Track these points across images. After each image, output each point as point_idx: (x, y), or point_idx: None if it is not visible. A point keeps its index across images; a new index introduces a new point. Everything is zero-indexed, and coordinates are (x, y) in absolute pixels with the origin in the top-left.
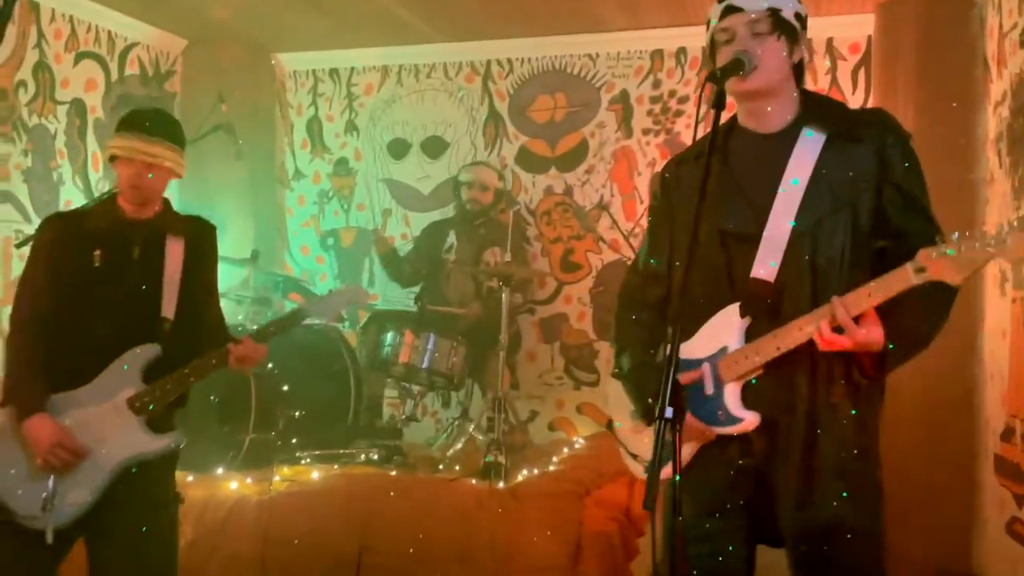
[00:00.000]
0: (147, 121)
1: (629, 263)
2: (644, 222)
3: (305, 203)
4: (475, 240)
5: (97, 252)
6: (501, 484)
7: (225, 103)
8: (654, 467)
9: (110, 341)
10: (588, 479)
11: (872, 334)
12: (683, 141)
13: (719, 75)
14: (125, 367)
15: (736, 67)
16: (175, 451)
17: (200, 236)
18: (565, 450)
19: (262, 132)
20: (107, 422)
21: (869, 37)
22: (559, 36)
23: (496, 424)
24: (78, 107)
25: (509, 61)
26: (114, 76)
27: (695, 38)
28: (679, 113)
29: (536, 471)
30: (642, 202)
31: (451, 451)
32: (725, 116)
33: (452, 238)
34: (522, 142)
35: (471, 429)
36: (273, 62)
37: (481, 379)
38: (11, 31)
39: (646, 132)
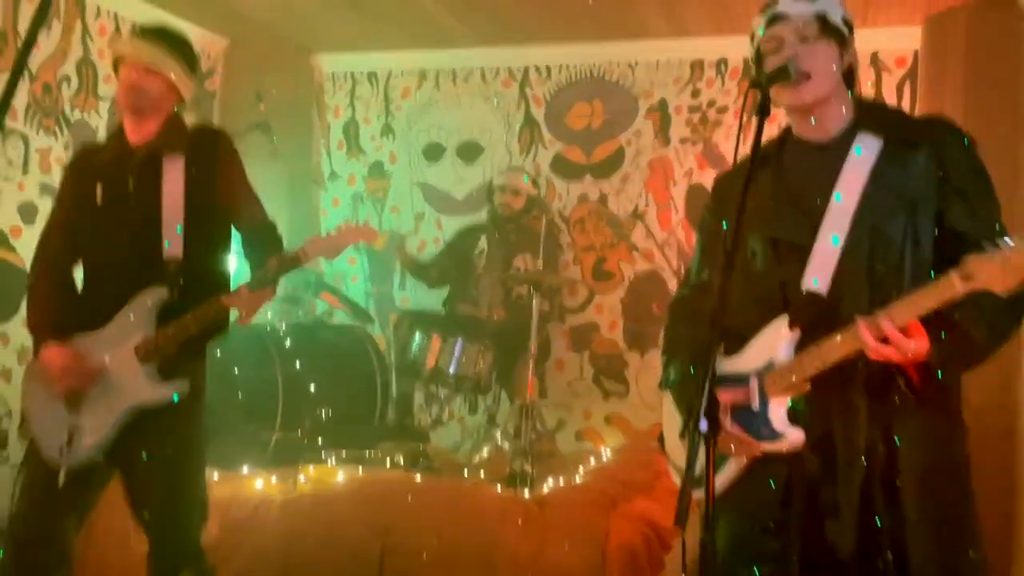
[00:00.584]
0: (157, 31)
1: (662, 271)
2: (679, 232)
3: (339, 204)
4: (506, 245)
5: (99, 188)
6: (527, 493)
7: (263, 102)
8: (686, 481)
9: (119, 283)
10: (615, 491)
11: (918, 345)
12: (721, 152)
13: (764, 82)
14: (137, 312)
15: (782, 74)
16: (196, 393)
17: (205, 148)
18: (592, 460)
19: (299, 133)
20: (117, 368)
21: (916, 51)
22: (598, 43)
23: (523, 432)
24: None
25: (547, 67)
26: None
27: (736, 48)
28: (718, 123)
29: (562, 481)
30: (677, 212)
31: (477, 457)
32: (774, 128)
33: (483, 243)
34: (557, 149)
35: (498, 436)
36: (312, 64)
37: (509, 385)
38: (56, 27)
39: (684, 142)
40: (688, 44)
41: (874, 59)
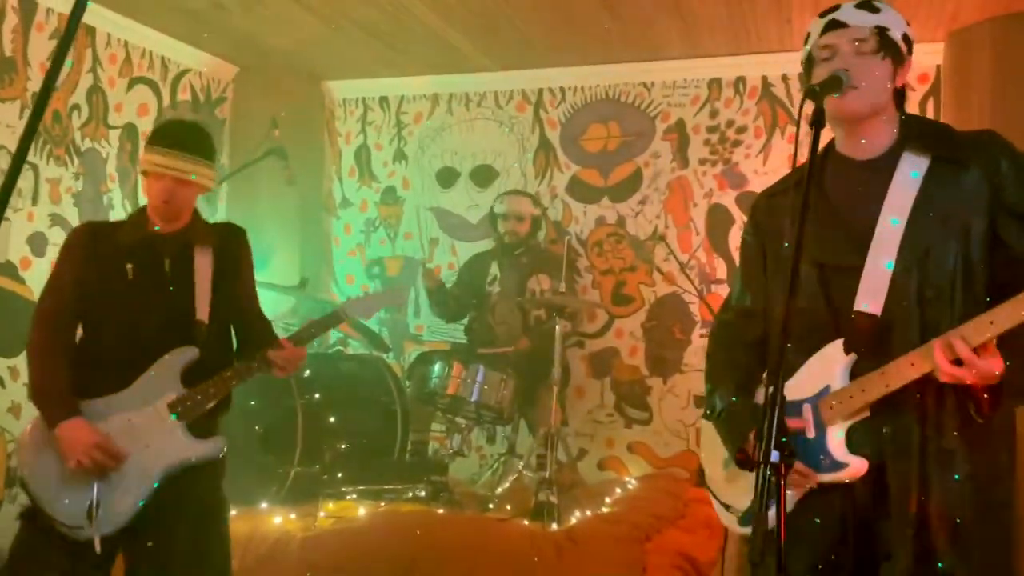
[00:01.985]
0: (178, 136)
1: (690, 296)
2: (700, 255)
3: (352, 231)
4: (517, 269)
5: (129, 266)
6: (554, 526)
7: (278, 128)
8: (760, 516)
9: (147, 347)
10: (647, 523)
11: (992, 366)
12: (741, 171)
13: (818, 91)
14: (163, 371)
15: (834, 85)
16: (221, 457)
17: (229, 242)
18: (618, 491)
19: (310, 160)
20: (149, 427)
21: (938, 67)
22: (613, 64)
23: (548, 462)
24: (130, 132)
25: (561, 89)
26: (166, 101)
27: (754, 67)
28: (737, 143)
29: (590, 513)
30: (698, 234)
31: (499, 489)
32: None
33: (495, 269)
34: (573, 171)
35: (520, 467)
36: (323, 89)
37: (529, 414)
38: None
39: (703, 162)
40: (705, 63)
41: None
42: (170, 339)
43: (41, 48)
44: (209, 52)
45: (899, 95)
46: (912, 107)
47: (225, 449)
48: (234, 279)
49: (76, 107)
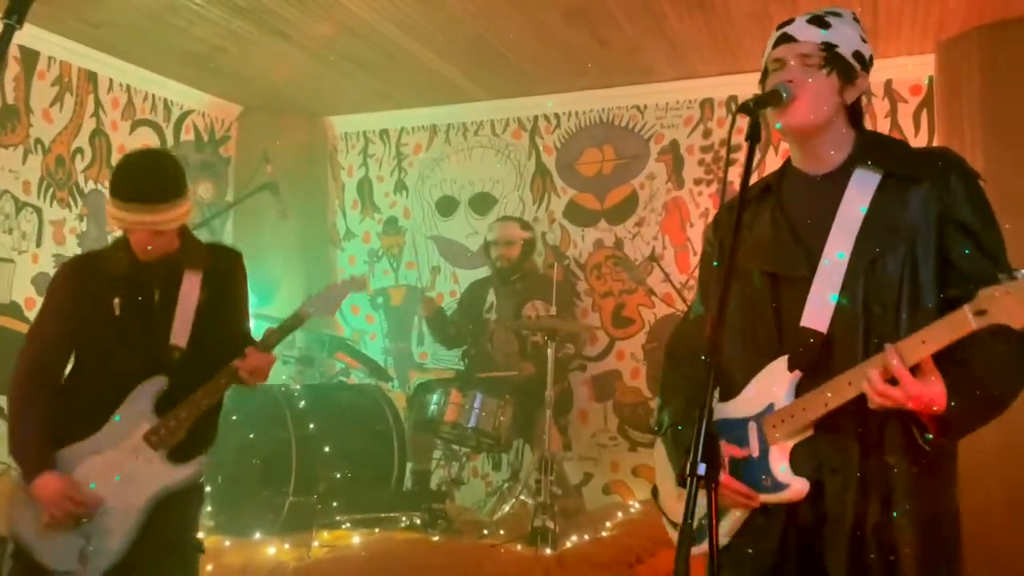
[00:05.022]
0: (138, 186)
1: (682, 315)
2: (698, 274)
3: (355, 263)
4: (513, 295)
5: (116, 300)
6: (548, 551)
7: (270, 163)
8: (686, 532)
9: (126, 382)
10: (639, 546)
11: (931, 390)
12: (736, 190)
13: (752, 105)
14: (134, 405)
15: (772, 98)
16: (198, 492)
17: (222, 266)
18: (619, 515)
19: (314, 194)
20: (128, 462)
21: (930, 78)
22: (606, 89)
23: (543, 486)
24: None
25: (556, 115)
26: (170, 142)
27: (746, 86)
28: (732, 162)
29: (586, 537)
30: (695, 253)
31: (498, 515)
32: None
33: (492, 296)
34: (570, 196)
35: (519, 492)
36: (325, 125)
37: (531, 439)
38: (68, 100)
39: (698, 182)
40: (697, 84)
41: (888, 89)
42: (146, 369)
43: (43, 95)
44: (211, 93)
45: (853, 112)
46: (905, 119)
47: (204, 477)
48: (223, 304)
49: (79, 151)
